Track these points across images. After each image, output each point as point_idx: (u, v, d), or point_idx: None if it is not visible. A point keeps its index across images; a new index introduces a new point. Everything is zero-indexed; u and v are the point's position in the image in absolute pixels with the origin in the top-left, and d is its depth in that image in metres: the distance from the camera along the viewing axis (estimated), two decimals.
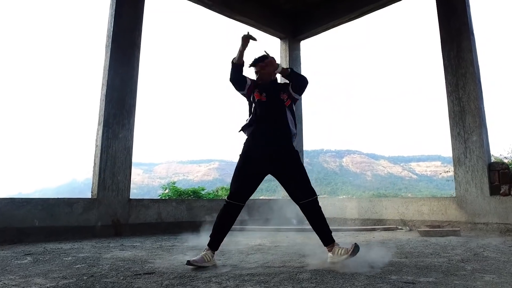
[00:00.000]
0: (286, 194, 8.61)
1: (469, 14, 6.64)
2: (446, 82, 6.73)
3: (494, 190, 6.05)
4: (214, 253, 3.37)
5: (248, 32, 3.47)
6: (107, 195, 5.97)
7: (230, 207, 3.39)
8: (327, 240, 3.31)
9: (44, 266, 3.29)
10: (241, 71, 3.51)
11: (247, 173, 3.44)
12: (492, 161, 6.33)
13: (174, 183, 11.17)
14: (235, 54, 3.50)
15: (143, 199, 6.49)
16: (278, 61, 9.61)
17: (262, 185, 3.73)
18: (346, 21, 8.93)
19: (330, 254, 3.24)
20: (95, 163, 6.11)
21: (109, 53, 6.32)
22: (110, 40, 6.35)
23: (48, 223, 5.37)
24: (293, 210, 8.38)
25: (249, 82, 3.58)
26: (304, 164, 3.59)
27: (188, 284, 2.60)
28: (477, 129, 6.24)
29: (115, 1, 6.49)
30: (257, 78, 3.64)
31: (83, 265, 3.37)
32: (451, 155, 6.51)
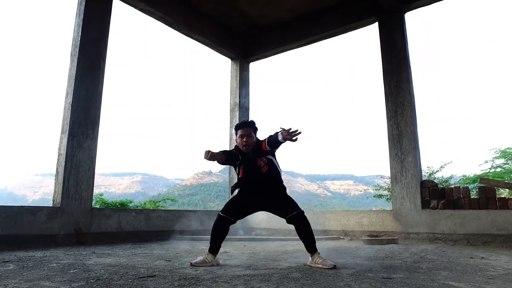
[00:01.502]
0: None
1: (407, 50, 7.52)
2: (386, 109, 7.53)
3: (425, 204, 6.91)
4: (215, 256, 3.88)
5: (207, 153, 3.76)
6: (70, 204, 5.97)
7: (223, 219, 3.92)
8: (310, 248, 3.84)
9: (36, 272, 3.27)
10: (224, 158, 3.91)
11: (240, 204, 4.03)
12: (423, 179, 7.18)
13: (101, 195, 11.03)
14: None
15: (104, 209, 6.60)
16: (228, 81, 10.06)
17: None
18: (295, 47, 9.58)
19: (309, 258, 3.80)
20: (58, 172, 6.08)
21: (75, 62, 6.33)
22: (77, 49, 6.37)
23: (11, 231, 5.30)
24: (238, 222, 8.77)
25: (235, 157, 4.05)
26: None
27: (199, 284, 2.79)
28: (412, 151, 7.09)
29: (82, 11, 6.52)
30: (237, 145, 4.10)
31: (76, 270, 3.38)
32: (361, 174, 7.30)
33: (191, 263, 3.74)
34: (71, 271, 3.30)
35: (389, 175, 7.39)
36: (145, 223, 6.99)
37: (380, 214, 7.38)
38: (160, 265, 3.82)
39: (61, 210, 5.87)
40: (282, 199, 3.98)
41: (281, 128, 3.61)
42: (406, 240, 6.84)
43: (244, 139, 3.96)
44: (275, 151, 4.03)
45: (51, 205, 6.00)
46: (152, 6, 7.76)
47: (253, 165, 3.96)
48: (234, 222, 4.01)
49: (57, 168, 6.12)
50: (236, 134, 4.05)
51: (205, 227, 7.80)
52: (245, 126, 4.03)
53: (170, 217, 7.46)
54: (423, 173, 11.52)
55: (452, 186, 7.39)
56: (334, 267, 3.54)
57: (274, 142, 3.74)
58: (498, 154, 12.60)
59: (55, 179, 6.12)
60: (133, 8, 7.67)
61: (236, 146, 4.11)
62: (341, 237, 7.33)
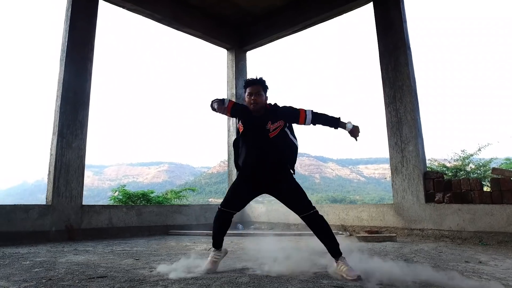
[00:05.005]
0: None
1: (405, 29, 6.94)
2: (384, 94, 7.04)
3: (429, 198, 6.36)
4: (220, 250, 3.73)
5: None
6: (61, 202, 6.24)
7: (223, 213, 3.66)
8: (332, 253, 3.41)
9: (5, 270, 3.51)
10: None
11: (242, 190, 3.70)
12: (427, 169, 6.72)
13: (124, 186, 11.20)
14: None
15: (95, 205, 6.78)
16: (224, 72, 9.87)
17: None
18: (289, 33, 9.25)
19: (334, 264, 3.35)
20: (49, 171, 6.37)
21: (63, 66, 6.58)
22: (65, 54, 6.61)
23: (5, 228, 5.65)
24: (237, 216, 8.67)
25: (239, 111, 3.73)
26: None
27: (137, 287, 2.83)
28: (413, 139, 6.55)
29: (69, 16, 6.75)
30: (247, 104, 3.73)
31: (40, 269, 3.58)
32: None
33: (207, 271, 3.48)
34: (34, 270, 3.50)
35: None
36: (136, 219, 7.13)
37: (381, 208, 6.92)
38: (123, 264, 3.90)
39: (52, 208, 6.15)
40: (292, 193, 3.58)
41: (350, 122, 3.48)
42: (409, 237, 6.37)
43: (253, 97, 3.58)
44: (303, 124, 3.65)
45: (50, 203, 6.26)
46: (140, 5, 7.84)
47: (259, 127, 3.58)
48: (236, 213, 3.75)
49: (49, 168, 6.42)
50: (245, 93, 3.68)
51: (200, 221, 7.85)
52: (254, 84, 3.64)
53: (163, 212, 7.54)
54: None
55: (460, 178, 6.87)
56: (359, 279, 3.08)
57: (328, 121, 3.53)
58: None
59: (47, 178, 6.42)
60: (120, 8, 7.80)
61: (241, 109, 3.74)
62: (340, 233, 6.98)
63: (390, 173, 6.89)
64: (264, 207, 8.81)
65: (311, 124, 3.60)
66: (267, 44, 9.95)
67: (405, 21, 7.04)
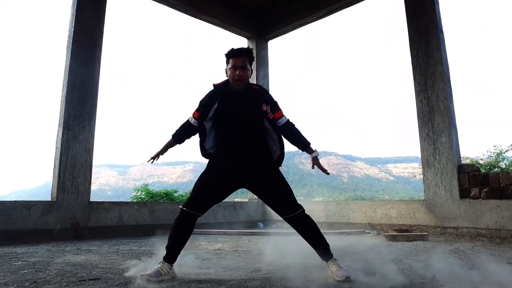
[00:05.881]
0: (253, 197, 8.44)
1: (437, 11, 6.46)
2: (414, 82, 6.57)
3: (464, 193, 5.85)
4: (171, 265, 2.98)
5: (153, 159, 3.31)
6: (66, 198, 5.86)
7: (186, 215, 3.02)
8: (322, 256, 3.00)
9: None
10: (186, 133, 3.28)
11: (213, 183, 3.09)
12: (462, 163, 6.17)
13: (147, 185, 11.04)
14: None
15: (103, 202, 6.35)
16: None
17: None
18: (312, 20, 8.78)
19: (327, 267, 2.95)
20: (55, 165, 5.99)
21: (69, 53, 6.22)
22: (71, 40, 6.25)
23: (5, 226, 5.28)
24: (258, 214, 8.25)
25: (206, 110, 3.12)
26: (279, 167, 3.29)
27: None
28: (446, 129, 6.05)
29: (76, 1, 6.38)
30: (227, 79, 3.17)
31: (30, 270, 3.29)
32: None
33: (142, 275, 2.82)
34: (22, 272, 3.22)
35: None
36: (149, 216, 6.71)
37: (411, 204, 6.40)
38: (124, 264, 3.55)
39: (57, 204, 5.77)
40: (277, 181, 3.07)
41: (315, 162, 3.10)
42: (442, 236, 5.84)
43: (237, 72, 2.99)
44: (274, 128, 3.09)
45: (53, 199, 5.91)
46: None
47: (246, 107, 3.05)
48: (200, 216, 3.07)
49: (54, 162, 6.05)
50: (227, 64, 3.08)
51: (217, 220, 7.45)
52: (240, 55, 3.04)
53: (178, 209, 6.97)
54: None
55: (499, 171, 6.27)
56: (348, 279, 2.72)
57: (294, 137, 3.10)
58: None
59: (52, 173, 6.04)
60: None
61: (206, 97, 3.15)
62: (367, 231, 6.48)
63: (420, 172, 6.36)
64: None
65: (279, 130, 3.07)
66: (290, 32, 9.46)
67: (437, 2, 6.54)
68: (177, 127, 3.28)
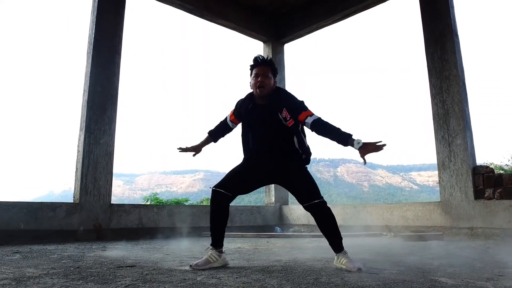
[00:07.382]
0: (270, 201, 8.48)
1: (452, 15, 6.55)
2: (430, 85, 6.64)
3: (479, 194, 5.92)
4: (221, 251, 3.18)
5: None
6: (89, 200, 5.99)
7: (216, 195, 3.20)
8: (333, 248, 3.10)
9: (33, 261, 3.43)
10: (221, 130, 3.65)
11: (243, 173, 3.33)
12: (477, 164, 6.22)
13: (156, 194, 11.05)
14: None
15: (124, 204, 6.50)
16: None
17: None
18: (329, 24, 8.81)
19: (335, 257, 3.07)
20: (77, 168, 6.13)
21: (90, 59, 6.35)
22: (92, 46, 6.38)
23: (32, 226, 5.45)
24: (275, 218, 8.32)
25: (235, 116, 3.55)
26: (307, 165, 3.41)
27: (166, 273, 2.75)
28: (461, 132, 6.13)
29: (96, 8, 6.51)
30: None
31: (68, 260, 3.51)
32: None
33: (190, 265, 3.01)
34: (63, 261, 3.43)
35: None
36: (167, 219, 6.78)
37: (427, 206, 6.46)
38: (153, 257, 3.74)
39: (80, 206, 5.90)
40: (301, 174, 3.22)
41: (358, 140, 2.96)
42: (457, 236, 5.91)
43: (259, 79, 3.20)
44: (303, 127, 3.30)
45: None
46: None
47: (266, 115, 3.24)
48: (233, 198, 3.27)
49: (76, 165, 6.19)
50: (251, 75, 3.32)
51: (234, 223, 7.46)
52: (262, 64, 3.28)
53: (196, 213, 7.17)
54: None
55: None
56: (359, 270, 2.82)
57: (329, 135, 3.08)
58: None
59: (75, 176, 6.17)
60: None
61: (239, 102, 3.50)
62: (384, 233, 6.53)
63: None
64: (303, 209, 8.24)
65: (314, 129, 3.14)
66: (306, 36, 9.48)
67: (452, 6, 6.62)
68: (214, 124, 3.64)
